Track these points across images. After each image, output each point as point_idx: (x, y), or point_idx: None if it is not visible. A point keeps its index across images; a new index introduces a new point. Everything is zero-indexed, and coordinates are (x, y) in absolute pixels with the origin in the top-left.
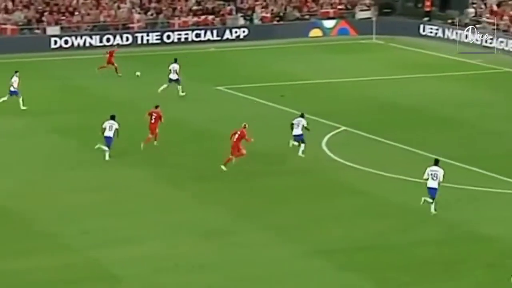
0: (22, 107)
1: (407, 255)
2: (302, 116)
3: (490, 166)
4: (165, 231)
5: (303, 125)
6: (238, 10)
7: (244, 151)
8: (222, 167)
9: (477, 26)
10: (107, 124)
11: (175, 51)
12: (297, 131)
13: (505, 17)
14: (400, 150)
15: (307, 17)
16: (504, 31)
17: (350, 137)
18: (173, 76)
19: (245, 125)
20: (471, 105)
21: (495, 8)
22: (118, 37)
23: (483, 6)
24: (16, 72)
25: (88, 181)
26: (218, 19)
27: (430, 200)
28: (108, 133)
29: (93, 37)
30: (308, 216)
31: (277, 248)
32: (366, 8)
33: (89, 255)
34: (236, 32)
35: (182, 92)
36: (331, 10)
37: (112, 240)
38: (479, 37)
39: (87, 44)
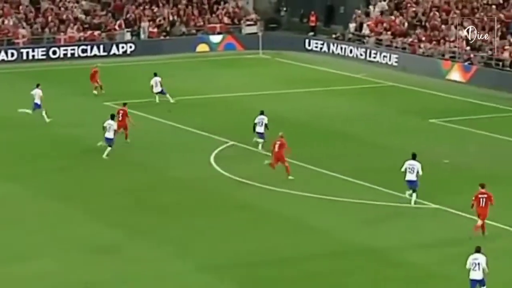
0: (47, 120)
1: (298, 269)
2: (262, 113)
3: (375, 179)
4: (55, 248)
5: (265, 123)
6: (126, 25)
7: (287, 164)
8: (266, 161)
9: (363, 40)
10: (106, 124)
11: (61, 66)
12: (259, 129)
13: (387, 33)
14: (289, 165)
15: (194, 32)
16: (387, 46)
17: (239, 152)
18: (157, 89)
19: (282, 134)
20: (358, 119)
21: (375, 20)
22: (2, 53)
23: (365, 21)
24: (38, 85)
25: None
26: (104, 34)
27: (413, 194)
28: (108, 134)
29: None
30: (199, 231)
31: (168, 264)
32: (252, 23)
33: None
34: (123, 47)
35: (173, 100)
36: (218, 25)
37: (0, 259)
38: (363, 51)
39: None
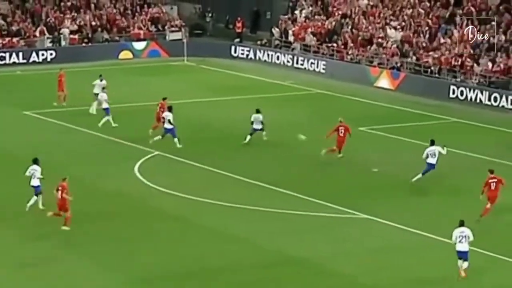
0: (114, 125)
1: (226, 280)
2: (258, 111)
3: (303, 189)
4: None
5: (261, 121)
6: (47, 31)
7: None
8: (340, 155)
9: (290, 47)
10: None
11: None
12: (257, 126)
13: (313, 38)
14: (215, 175)
15: (116, 38)
16: (314, 52)
17: (164, 162)
18: (96, 90)
19: (340, 120)
20: (284, 127)
21: (300, 25)
22: None
23: (291, 27)
24: (103, 89)
25: None
26: (23, 41)
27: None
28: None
29: None
30: (126, 243)
31: (97, 277)
32: (177, 29)
33: None
34: (43, 54)
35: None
36: (142, 32)
37: None
38: (290, 58)
39: None
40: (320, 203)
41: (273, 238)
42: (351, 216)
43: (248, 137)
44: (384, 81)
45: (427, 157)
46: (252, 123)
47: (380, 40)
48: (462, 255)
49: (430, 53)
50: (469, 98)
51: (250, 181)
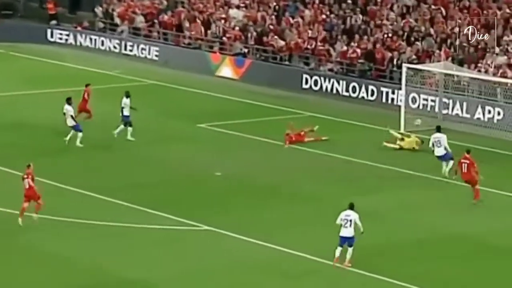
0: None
1: None
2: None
3: (137, 199)
4: None
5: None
6: None
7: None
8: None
9: (117, 29)
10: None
11: None
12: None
13: (141, 19)
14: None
15: None
16: (145, 36)
17: None
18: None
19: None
20: (114, 126)
21: (127, 5)
22: None
23: (116, 6)
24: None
25: None
26: None
27: (450, 162)
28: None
29: None
30: None
31: None
32: None
33: None
34: None
35: None
36: None
37: None
38: (117, 43)
39: None
40: (156, 213)
41: (98, 256)
42: (191, 228)
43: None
44: (226, 70)
45: (433, 147)
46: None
47: (221, 21)
48: (344, 241)
49: (279, 36)
50: (324, 88)
51: (73, 189)
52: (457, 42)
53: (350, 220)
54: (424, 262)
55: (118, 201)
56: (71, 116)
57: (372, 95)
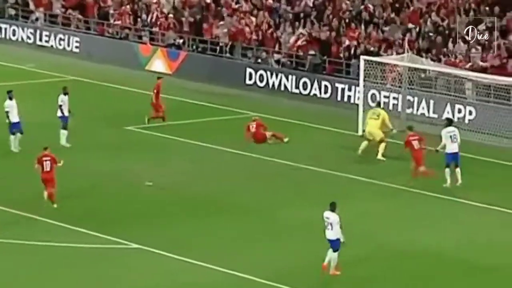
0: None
1: None
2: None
3: (57, 214)
4: None
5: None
6: None
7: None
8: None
9: (31, 17)
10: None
11: None
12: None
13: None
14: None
15: None
16: (64, 25)
17: None
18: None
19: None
20: (32, 131)
21: None
22: None
23: None
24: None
25: None
26: None
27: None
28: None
29: None
30: None
31: None
32: None
33: None
34: None
35: None
36: None
37: None
38: (31, 33)
39: None
40: (77, 230)
41: (18, 279)
42: (118, 246)
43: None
44: (158, 63)
45: (445, 143)
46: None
47: (151, 6)
48: (330, 245)
49: (220, 23)
50: (270, 84)
51: None
52: (424, 30)
53: (331, 223)
54: (379, 282)
55: (32, 215)
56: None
57: (325, 92)
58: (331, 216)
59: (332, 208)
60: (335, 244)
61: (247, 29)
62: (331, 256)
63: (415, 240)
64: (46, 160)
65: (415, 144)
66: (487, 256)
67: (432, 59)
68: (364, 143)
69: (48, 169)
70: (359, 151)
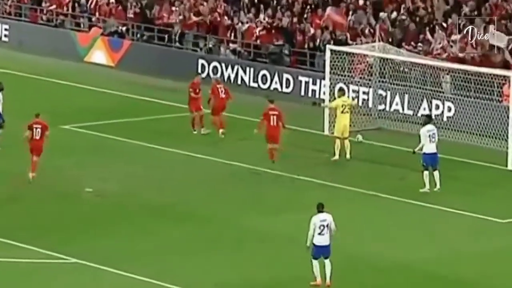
0: None
1: None
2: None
3: None
4: None
5: None
6: None
7: None
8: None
9: None
10: None
11: None
12: None
13: None
14: None
15: None
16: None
17: None
18: None
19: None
20: None
21: None
22: None
23: None
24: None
25: None
26: None
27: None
28: None
29: None
30: None
31: None
32: None
33: None
34: None
35: None
36: None
37: None
38: None
39: None
40: (6, 242)
41: None
42: (55, 261)
43: None
44: (98, 54)
45: (423, 143)
46: None
47: None
48: (323, 252)
49: (172, 9)
50: (226, 77)
51: None
52: (396, 16)
53: (327, 225)
54: None
55: None
56: None
57: (287, 86)
58: (327, 217)
59: (321, 209)
60: (327, 251)
61: (199, 14)
62: (326, 265)
63: (382, 253)
64: (36, 128)
65: (272, 119)
66: (459, 269)
67: (406, 49)
68: (337, 144)
69: (38, 137)
70: (335, 156)
